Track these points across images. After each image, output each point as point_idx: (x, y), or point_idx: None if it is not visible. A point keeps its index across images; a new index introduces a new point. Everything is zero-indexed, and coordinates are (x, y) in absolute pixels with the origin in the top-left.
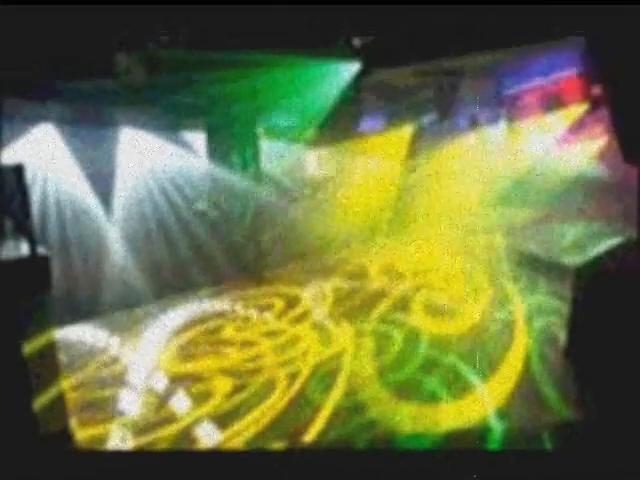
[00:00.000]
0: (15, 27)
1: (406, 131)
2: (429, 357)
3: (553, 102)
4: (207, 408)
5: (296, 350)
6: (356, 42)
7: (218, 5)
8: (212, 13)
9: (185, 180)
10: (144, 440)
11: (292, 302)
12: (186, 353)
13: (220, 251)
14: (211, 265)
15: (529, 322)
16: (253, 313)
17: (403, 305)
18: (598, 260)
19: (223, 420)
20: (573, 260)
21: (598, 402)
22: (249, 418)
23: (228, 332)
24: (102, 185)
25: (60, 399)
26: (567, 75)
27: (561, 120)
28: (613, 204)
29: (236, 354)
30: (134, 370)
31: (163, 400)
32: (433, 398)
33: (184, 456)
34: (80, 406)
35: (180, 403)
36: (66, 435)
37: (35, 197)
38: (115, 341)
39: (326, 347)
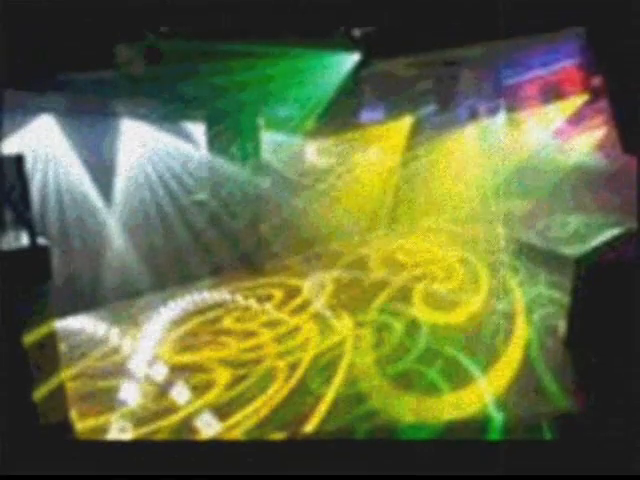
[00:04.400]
0: (15, 18)
1: (406, 122)
2: (429, 348)
3: (553, 93)
4: (207, 398)
5: (296, 340)
6: (356, 33)
7: None
8: (211, 3)
9: (185, 170)
10: (144, 430)
11: (292, 292)
12: (186, 343)
13: (220, 241)
14: (211, 255)
15: (529, 313)
16: (253, 303)
17: (403, 296)
18: (598, 251)
19: (223, 410)
20: (573, 251)
21: (597, 392)
22: (249, 408)
23: (228, 322)
24: (102, 176)
25: (60, 389)
26: (567, 66)
27: (561, 111)
28: (612, 195)
29: (236, 344)
30: (134, 360)
31: (163, 390)
32: (433, 388)
33: (184, 446)
34: (80, 396)
35: (180, 393)
36: (66, 425)
37: (35, 188)
38: (115, 331)
39: (326, 337)
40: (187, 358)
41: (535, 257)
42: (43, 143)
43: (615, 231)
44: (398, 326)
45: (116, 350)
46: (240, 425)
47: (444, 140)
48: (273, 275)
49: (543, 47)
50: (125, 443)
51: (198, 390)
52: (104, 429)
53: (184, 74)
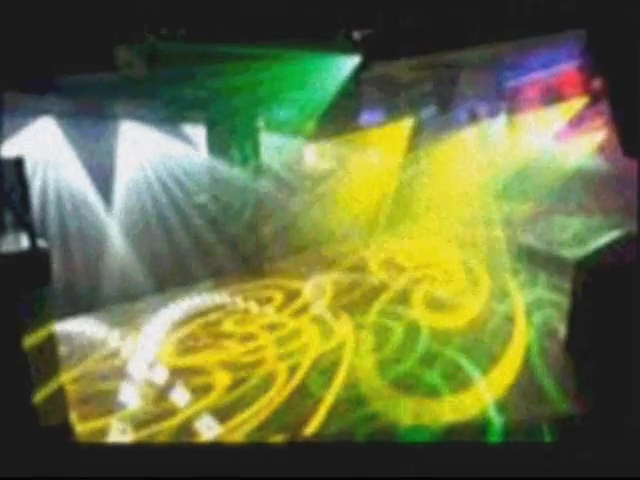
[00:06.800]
0: (15, 20)
1: (406, 124)
2: (429, 350)
3: (553, 95)
4: (207, 401)
5: (296, 343)
6: (356, 35)
7: None
8: (212, 5)
9: (185, 173)
10: (144, 433)
11: (292, 295)
12: (186, 346)
13: (220, 244)
14: (211, 258)
15: (529, 315)
16: (253, 306)
17: (403, 298)
18: (598, 253)
19: (223, 413)
20: (573, 253)
21: (597, 395)
22: (249, 411)
23: (228, 325)
24: (102, 178)
25: (60, 392)
26: (567, 68)
27: (561, 113)
28: (613, 197)
29: (236, 347)
30: (134, 363)
31: (163, 393)
32: (433, 391)
33: (184, 449)
34: (80, 399)
35: (180, 396)
36: (66, 428)
37: (35, 190)
38: (115, 334)
39: (326, 340)
40: (187, 361)
41: (535, 260)
42: (43, 145)
43: (615, 234)
44: (398, 329)
45: (116, 353)
46: (240, 428)
47: (444, 142)
48: (273, 278)
49: (543, 49)
50: (125, 446)
51: (198, 393)
52: (104, 432)
53: (183, 76)
